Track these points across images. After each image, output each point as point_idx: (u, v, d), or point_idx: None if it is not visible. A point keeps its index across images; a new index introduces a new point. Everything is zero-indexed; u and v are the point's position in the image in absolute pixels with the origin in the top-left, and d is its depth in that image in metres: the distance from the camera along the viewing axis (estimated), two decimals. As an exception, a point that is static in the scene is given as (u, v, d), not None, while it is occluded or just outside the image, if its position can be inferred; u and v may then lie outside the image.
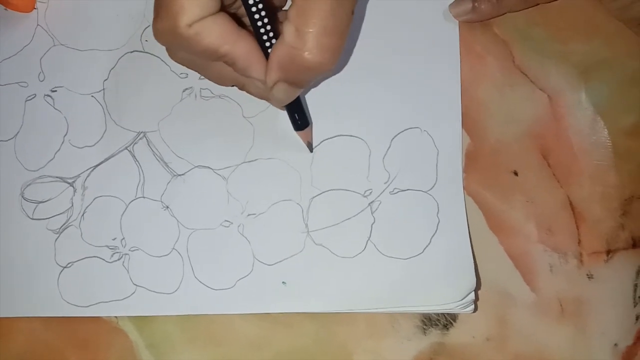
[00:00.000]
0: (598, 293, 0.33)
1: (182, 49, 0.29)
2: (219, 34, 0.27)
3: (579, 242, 0.34)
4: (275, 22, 0.29)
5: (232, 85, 0.32)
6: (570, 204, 0.34)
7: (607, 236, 0.34)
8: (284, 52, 0.27)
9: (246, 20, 0.29)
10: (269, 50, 0.28)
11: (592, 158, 0.34)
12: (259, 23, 0.28)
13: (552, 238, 0.34)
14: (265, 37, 0.28)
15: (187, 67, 0.31)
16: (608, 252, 0.34)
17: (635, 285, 0.33)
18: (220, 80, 0.32)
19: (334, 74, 0.35)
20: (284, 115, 0.34)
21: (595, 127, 0.34)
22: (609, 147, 0.34)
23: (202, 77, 0.35)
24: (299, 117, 0.32)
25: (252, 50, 0.28)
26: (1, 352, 0.34)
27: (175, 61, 0.31)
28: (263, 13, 0.28)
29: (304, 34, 0.26)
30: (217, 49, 0.27)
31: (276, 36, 0.28)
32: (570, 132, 0.35)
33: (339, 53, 0.27)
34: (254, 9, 0.28)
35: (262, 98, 0.32)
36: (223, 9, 0.27)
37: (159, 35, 0.28)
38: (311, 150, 0.34)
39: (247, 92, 0.32)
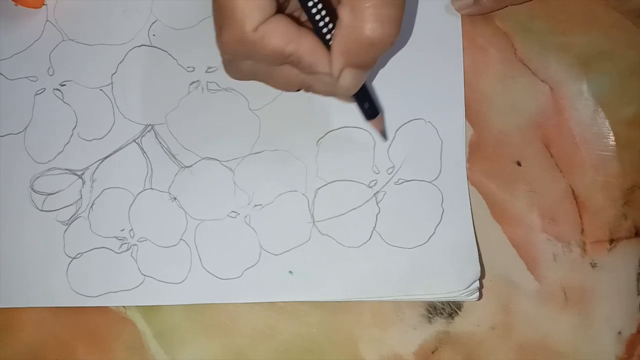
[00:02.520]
0: (601, 282, 0.34)
1: (249, 57, 0.29)
2: (283, 34, 0.27)
3: (582, 231, 0.34)
4: (333, 14, 0.28)
5: (298, 90, 0.32)
6: (573, 193, 0.34)
7: (610, 225, 0.34)
8: (344, 36, 0.27)
9: (302, 17, 0.29)
10: (330, 43, 0.28)
11: (594, 148, 0.35)
12: (317, 17, 0.28)
13: (555, 227, 0.34)
14: (325, 30, 0.28)
15: (249, 79, 0.31)
16: (611, 241, 0.34)
17: (639, 274, 0.34)
18: (287, 85, 0.31)
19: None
20: (289, 107, 0.34)
21: (597, 117, 0.35)
22: (610, 137, 0.35)
23: (212, 69, 0.36)
24: (369, 105, 0.32)
25: (316, 45, 0.28)
26: (11, 342, 0.35)
27: (237, 76, 0.31)
28: (320, 6, 0.28)
29: (360, 11, 0.26)
30: (283, 49, 0.27)
31: (335, 26, 0.28)
32: (572, 122, 0.35)
33: (400, 23, 0.27)
34: (310, 3, 0.28)
35: (329, 95, 0.32)
36: (278, 10, 0.28)
37: (227, 46, 0.28)
38: (385, 139, 0.34)
39: (314, 92, 0.31)
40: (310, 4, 0.28)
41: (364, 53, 0.28)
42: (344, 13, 0.26)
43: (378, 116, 0.33)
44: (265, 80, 0.31)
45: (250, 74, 0.30)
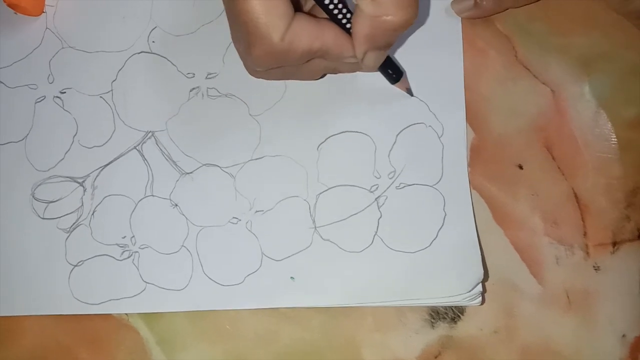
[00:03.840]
0: (605, 284, 0.34)
1: (282, 64, 0.30)
2: (308, 34, 0.28)
3: (585, 234, 0.34)
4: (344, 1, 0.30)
5: (323, 76, 0.33)
6: (575, 196, 0.34)
7: (613, 228, 0.34)
8: (366, 24, 0.28)
9: (316, 10, 0.30)
10: (347, 26, 0.29)
11: (595, 150, 0.35)
12: (331, 6, 0.29)
13: (557, 230, 0.34)
14: (340, 16, 0.29)
15: (277, 79, 0.32)
16: (614, 243, 0.34)
17: (642, 276, 0.33)
18: (313, 75, 0.33)
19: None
20: (289, 112, 0.34)
21: (598, 119, 0.35)
22: (612, 139, 0.35)
23: (211, 75, 0.36)
24: (393, 70, 0.34)
25: (338, 35, 0.29)
26: (13, 349, 0.35)
27: (262, 77, 0.32)
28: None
29: (381, 1, 0.27)
30: (311, 49, 0.28)
31: (349, 11, 0.29)
32: (574, 125, 0.35)
33: (417, 4, 0.28)
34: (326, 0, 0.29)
35: (353, 71, 0.33)
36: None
37: (259, 60, 0.29)
38: (412, 95, 0.35)
39: (339, 72, 0.33)
40: (326, 1, 0.29)
41: (386, 38, 0.29)
42: (364, 4, 0.27)
43: (402, 78, 0.34)
44: (291, 77, 0.32)
45: (278, 76, 0.31)
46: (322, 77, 0.33)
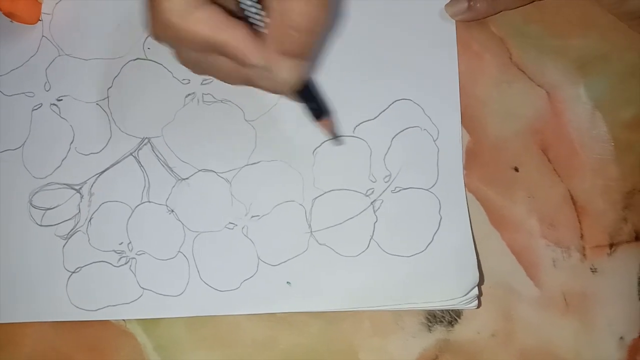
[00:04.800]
0: (602, 286, 0.33)
1: (184, 45, 0.29)
2: (212, 23, 0.27)
3: (582, 236, 0.34)
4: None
5: (242, 84, 0.31)
6: (572, 198, 0.34)
7: (610, 229, 0.34)
8: (275, 23, 0.27)
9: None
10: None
11: (592, 152, 0.34)
12: (243, 5, 0.28)
13: (554, 233, 0.34)
14: (258, 17, 0.28)
15: (194, 70, 0.31)
16: (611, 245, 0.34)
17: (640, 278, 0.33)
18: (229, 78, 0.31)
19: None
20: (284, 117, 0.34)
21: (595, 121, 0.35)
22: (608, 140, 0.34)
23: (207, 81, 0.36)
24: (317, 104, 0.32)
25: (247, 35, 0.28)
26: (11, 356, 0.35)
27: (183, 64, 0.31)
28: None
29: None
30: (210, 38, 0.27)
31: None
32: (570, 126, 0.35)
33: (327, 3, 0.27)
34: None
35: (274, 91, 0.31)
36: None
37: (158, 35, 0.28)
38: (336, 140, 0.34)
39: (258, 87, 0.31)
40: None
41: (296, 39, 0.27)
42: (271, 1, 0.26)
43: (326, 117, 0.32)
44: (210, 71, 0.31)
45: (192, 64, 0.31)
46: (242, 84, 0.31)
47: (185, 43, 0.28)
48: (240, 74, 0.30)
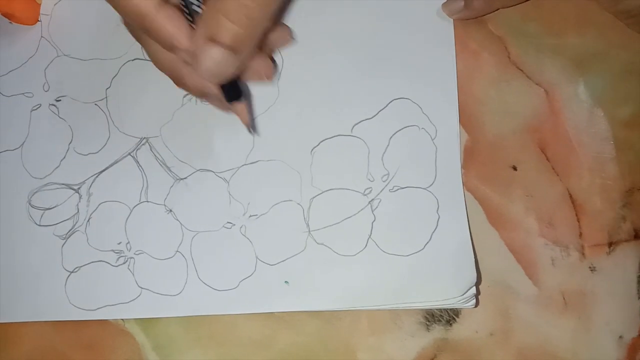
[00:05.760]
0: (601, 285, 0.33)
1: (120, 13, 0.29)
2: (146, 3, 0.27)
3: (580, 234, 0.34)
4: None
5: (168, 72, 0.31)
6: (570, 196, 0.34)
7: (609, 228, 0.34)
8: (208, 7, 0.26)
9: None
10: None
11: (590, 150, 0.34)
12: None
13: (553, 231, 0.34)
14: (196, 3, 0.27)
15: (138, 41, 0.31)
16: (610, 244, 0.34)
17: (639, 277, 0.33)
18: (156, 61, 0.31)
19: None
20: (282, 118, 0.34)
21: (593, 119, 0.34)
22: (607, 138, 0.34)
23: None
24: (231, 85, 0.30)
25: (178, 20, 0.27)
26: (10, 356, 0.35)
27: (131, 34, 0.31)
28: None
29: None
30: (142, 14, 0.27)
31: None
32: (568, 125, 0.35)
33: (271, 1, 0.26)
34: None
35: (200, 93, 0.31)
36: None
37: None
38: (252, 132, 0.34)
39: (184, 86, 0.31)
40: None
41: (228, 28, 0.26)
42: None
43: (241, 99, 0.31)
44: (144, 47, 0.31)
45: (135, 36, 0.31)
46: (167, 72, 0.31)
47: (120, 10, 0.28)
48: (171, 65, 0.30)
